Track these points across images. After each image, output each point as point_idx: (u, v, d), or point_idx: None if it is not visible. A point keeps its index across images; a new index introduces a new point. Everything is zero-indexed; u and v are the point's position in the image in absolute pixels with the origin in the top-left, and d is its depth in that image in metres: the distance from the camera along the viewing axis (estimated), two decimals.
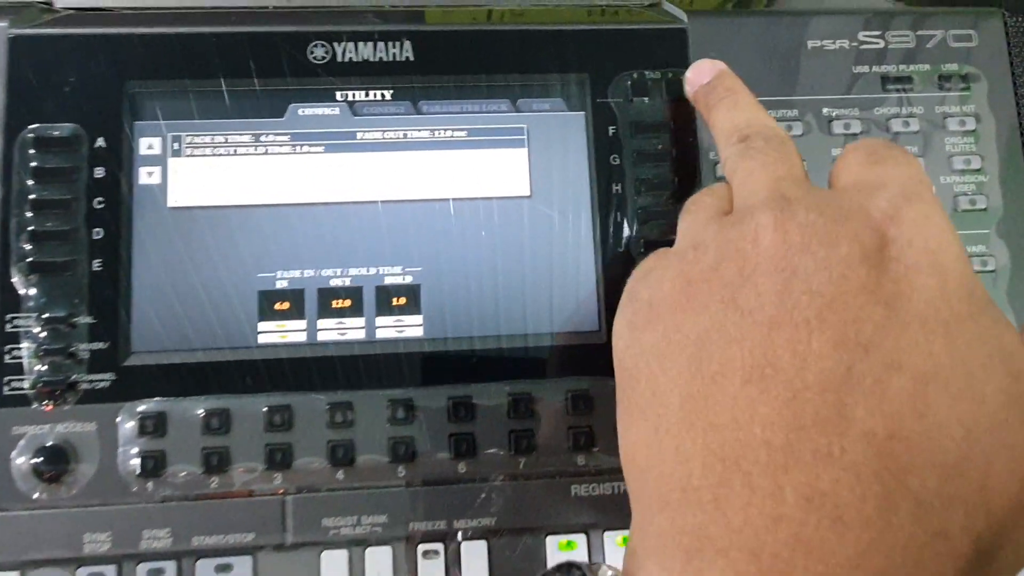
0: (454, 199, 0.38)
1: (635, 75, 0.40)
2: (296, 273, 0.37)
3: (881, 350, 0.21)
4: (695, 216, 0.29)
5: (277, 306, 0.37)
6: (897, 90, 0.41)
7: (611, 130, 0.39)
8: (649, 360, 0.25)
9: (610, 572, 0.22)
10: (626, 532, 0.36)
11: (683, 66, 0.40)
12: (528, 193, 0.39)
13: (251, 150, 0.38)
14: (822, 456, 0.20)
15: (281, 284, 0.37)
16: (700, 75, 0.37)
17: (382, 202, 0.38)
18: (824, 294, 0.22)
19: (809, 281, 0.22)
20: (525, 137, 0.39)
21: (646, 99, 0.39)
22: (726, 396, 0.22)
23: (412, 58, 0.39)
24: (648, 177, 0.39)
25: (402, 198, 0.38)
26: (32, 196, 0.36)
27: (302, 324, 0.37)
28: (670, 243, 0.34)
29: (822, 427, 0.20)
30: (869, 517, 0.19)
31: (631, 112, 0.39)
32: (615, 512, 0.36)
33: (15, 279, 0.35)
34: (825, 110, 0.40)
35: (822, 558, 0.19)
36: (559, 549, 0.36)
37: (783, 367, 0.21)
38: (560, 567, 0.24)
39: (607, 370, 0.36)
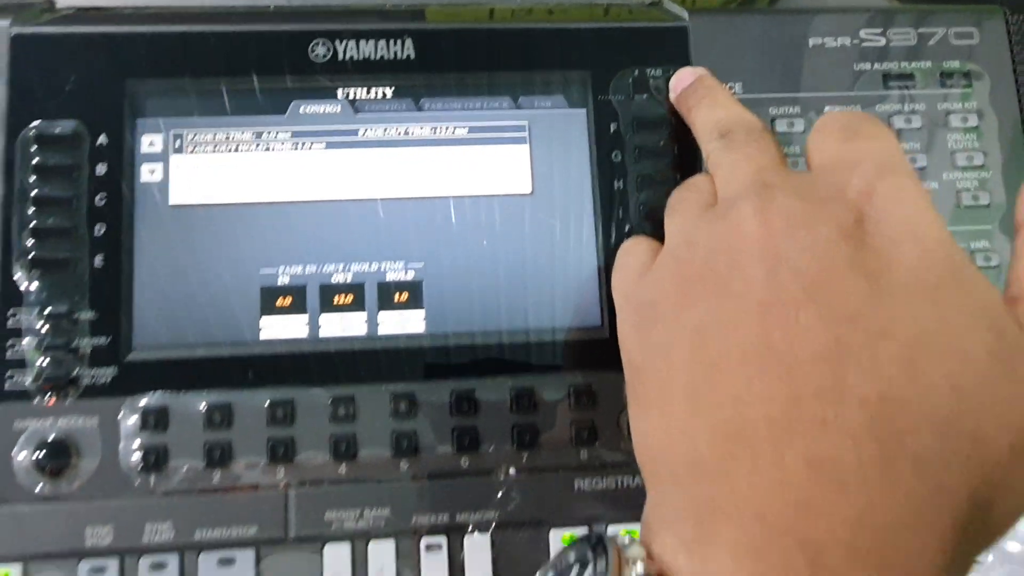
0: (455, 196, 0.38)
1: (636, 72, 0.40)
2: (298, 269, 0.37)
3: (868, 320, 0.22)
4: (682, 215, 0.30)
5: (279, 302, 0.37)
6: (899, 87, 0.41)
7: (612, 127, 0.39)
8: (655, 356, 0.26)
9: (638, 551, 0.23)
10: (630, 526, 0.36)
11: (684, 63, 0.40)
12: (530, 190, 0.39)
13: (253, 147, 0.38)
14: (819, 423, 0.21)
15: (283, 280, 0.37)
16: (682, 81, 0.38)
17: (383, 199, 0.38)
18: (808, 273, 0.23)
19: (794, 262, 0.23)
20: (527, 134, 0.40)
21: (647, 96, 0.40)
22: (726, 378, 0.23)
23: (413, 56, 0.39)
24: (649, 173, 0.39)
25: (403, 195, 0.38)
26: (34, 193, 0.36)
27: (304, 319, 0.37)
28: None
29: (818, 397, 0.21)
30: (869, 476, 0.20)
31: (632, 109, 0.39)
32: (619, 506, 0.36)
33: (17, 275, 0.36)
34: (827, 107, 0.40)
35: (825, 516, 0.20)
36: (563, 543, 0.36)
37: (776, 345, 0.22)
38: (588, 539, 0.24)
39: (609, 365, 0.36)
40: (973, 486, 0.21)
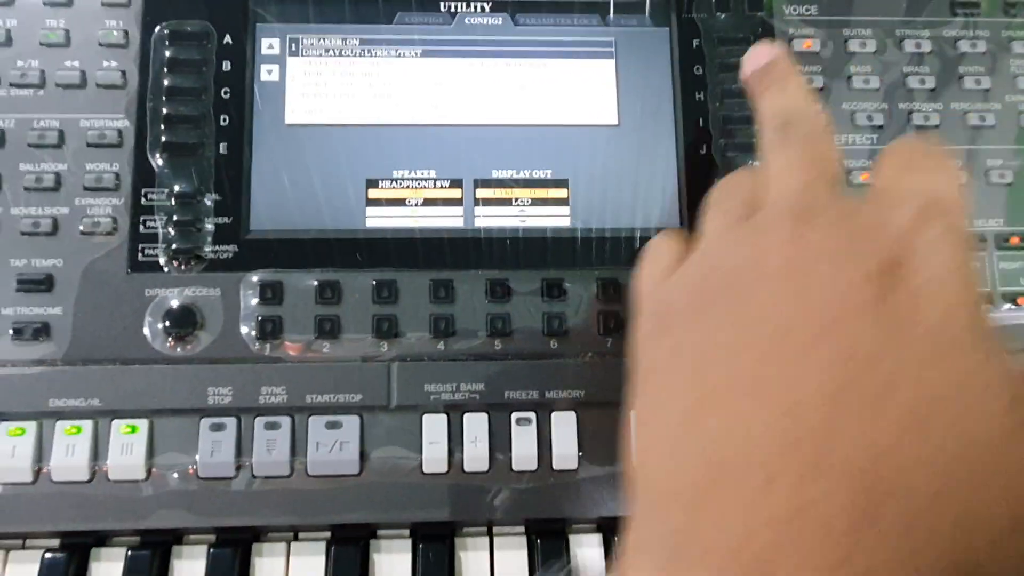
0: (542, 106, 0.41)
1: None
2: (401, 166, 0.40)
3: (879, 370, 0.21)
4: (719, 219, 0.28)
5: (381, 195, 0.40)
6: (964, 14, 0.43)
7: (695, 43, 0.42)
8: (661, 367, 0.26)
9: None
10: None
11: None
12: (615, 101, 0.42)
13: (362, 52, 0.41)
14: (811, 468, 0.20)
15: (387, 175, 0.40)
16: (757, 59, 0.35)
17: (480, 108, 0.41)
18: (827, 312, 0.22)
19: (816, 297, 0.23)
20: (613, 49, 0.42)
21: (727, 15, 0.42)
22: (725, 408, 0.23)
23: None
24: (729, 86, 0.41)
25: (499, 105, 0.41)
26: (167, 83, 0.39)
27: (406, 211, 0.40)
28: (747, 147, 0.37)
29: (813, 441, 0.21)
30: (853, 528, 0.20)
31: (714, 26, 0.42)
32: None
33: (152, 159, 0.39)
34: (898, 31, 0.43)
35: (803, 562, 0.20)
36: None
37: (780, 380, 0.22)
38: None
39: None
40: (958, 553, 0.20)
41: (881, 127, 0.42)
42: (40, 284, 0.37)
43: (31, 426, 0.36)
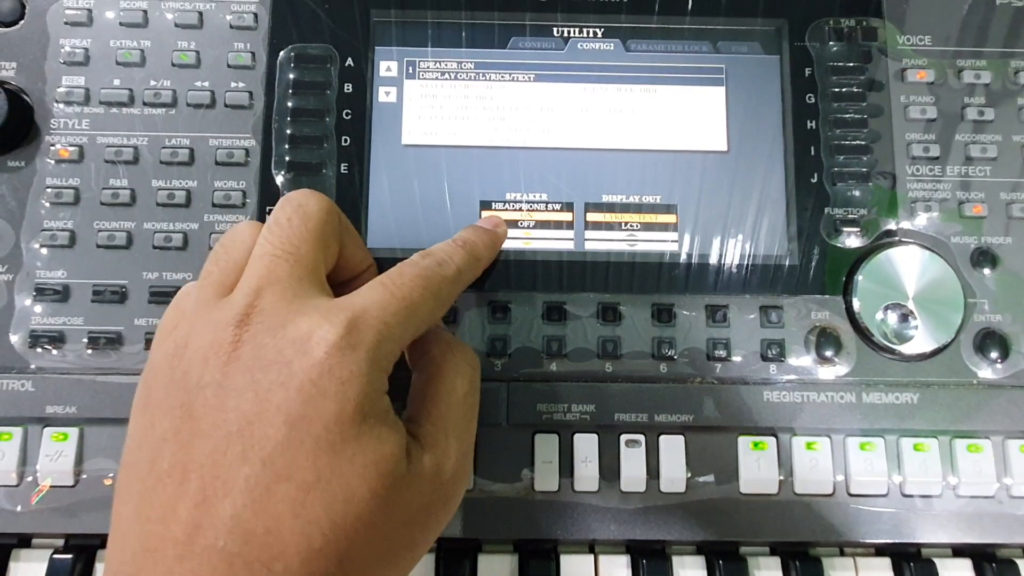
0: (652, 132, 0.42)
1: (831, 21, 0.42)
2: (511, 190, 0.41)
3: (276, 464, 0.25)
4: (202, 285, 0.30)
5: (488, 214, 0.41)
6: None
7: (807, 71, 0.42)
8: (133, 447, 0.28)
9: None
10: (812, 439, 0.39)
11: (877, 14, 0.43)
12: (724, 129, 0.42)
13: (477, 76, 0.42)
14: (208, 549, 0.24)
15: (498, 198, 0.41)
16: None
17: (590, 132, 0.42)
18: (247, 413, 0.26)
19: (238, 399, 0.26)
20: (723, 76, 0.43)
21: (841, 44, 0.42)
22: (163, 496, 0.26)
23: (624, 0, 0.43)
24: (842, 116, 0.42)
25: (610, 130, 0.42)
26: (291, 104, 0.41)
27: (519, 233, 0.41)
28: (859, 176, 0.37)
29: (216, 527, 0.25)
30: None
31: (827, 55, 0.42)
32: (805, 418, 0.39)
33: (276, 177, 0.40)
34: (1013, 62, 0.42)
35: None
36: (751, 448, 0.39)
37: (205, 475, 0.25)
38: None
39: (796, 289, 0.39)
40: None
41: (994, 159, 0.42)
42: (172, 297, 0.39)
43: None
